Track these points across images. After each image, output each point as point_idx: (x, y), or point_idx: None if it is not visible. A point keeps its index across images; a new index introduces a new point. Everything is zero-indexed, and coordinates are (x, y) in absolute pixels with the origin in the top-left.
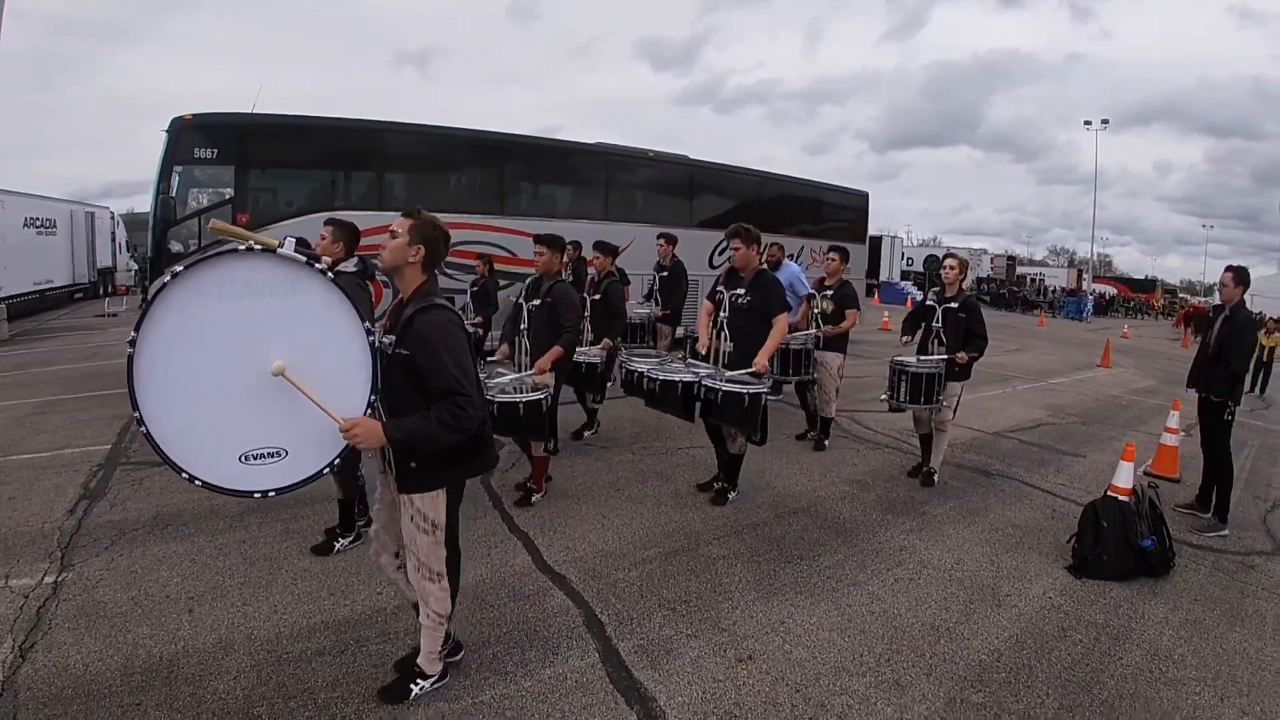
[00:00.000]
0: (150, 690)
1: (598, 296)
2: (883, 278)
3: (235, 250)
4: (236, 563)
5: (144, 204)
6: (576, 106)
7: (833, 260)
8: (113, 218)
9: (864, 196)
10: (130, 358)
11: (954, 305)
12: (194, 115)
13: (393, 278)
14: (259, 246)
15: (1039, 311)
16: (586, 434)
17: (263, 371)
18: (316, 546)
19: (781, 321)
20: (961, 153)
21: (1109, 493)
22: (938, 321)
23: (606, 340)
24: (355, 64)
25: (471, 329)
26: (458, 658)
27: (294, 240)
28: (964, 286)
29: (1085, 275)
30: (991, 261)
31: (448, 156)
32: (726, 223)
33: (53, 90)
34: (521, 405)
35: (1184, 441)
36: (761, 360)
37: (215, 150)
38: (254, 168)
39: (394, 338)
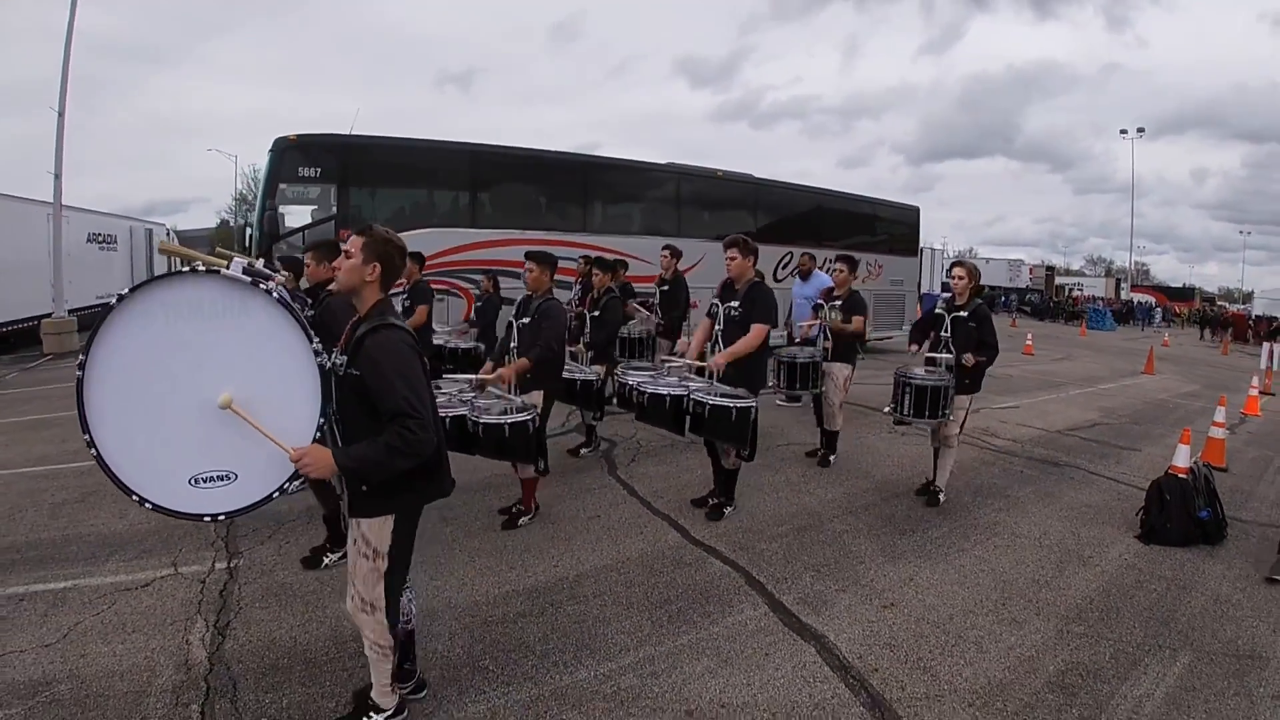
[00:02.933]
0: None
1: (597, 313)
2: (923, 289)
3: (180, 272)
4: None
5: (186, 221)
6: (614, 123)
7: (840, 271)
8: (168, 234)
9: (915, 211)
10: (79, 380)
11: (964, 314)
12: (298, 135)
13: (352, 299)
14: (203, 268)
15: (1080, 321)
16: (584, 451)
17: (210, 396)
18: (305, 559)
19: (757, 329)
20: (997, 164)
21: (1170, 471)
22: (946, 331)
23: (580, 347)
24: (397, 84)
25: (475, 344)
26: (420, 695)
27: (241, 261)
28: (973, 295)
29: (1123, 284)
30: (1030, 272)
31: (533, 176)
32: (788, 237)
33: (93, 110)
34: (506, 427)
35: (1228, 437)
36: (719, 360)
37: (318, 169)
38: (354, 185)
39: (346, 358)
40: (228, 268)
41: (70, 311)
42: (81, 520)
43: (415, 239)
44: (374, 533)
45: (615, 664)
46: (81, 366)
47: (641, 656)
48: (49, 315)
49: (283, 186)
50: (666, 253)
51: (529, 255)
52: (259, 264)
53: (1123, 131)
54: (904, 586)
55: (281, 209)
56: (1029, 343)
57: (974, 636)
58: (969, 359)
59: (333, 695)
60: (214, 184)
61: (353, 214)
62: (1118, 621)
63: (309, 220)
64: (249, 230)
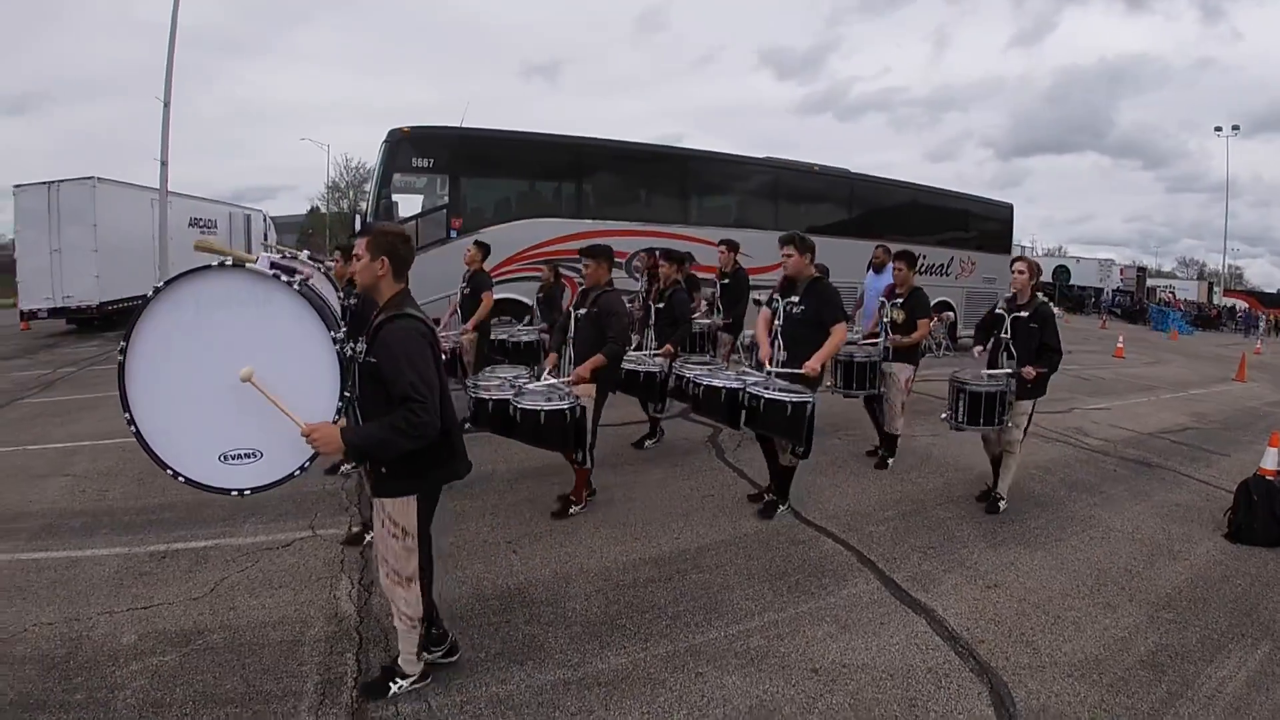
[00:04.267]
0: (511, 610)
1: (661, 305)
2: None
3: (209, 266)
4: (534, 515)
5: (275, 208)
6: (696, 115)
7: (899, 269)
8: (266, 219)
9: (1009, 208)
10: (121, 364)
11: (1024, 314)
12: (411, 128)
13: (372, 295)
14: (231, 262)
15: (1173, 327)
16: (648, 443)
17: (237, 380)
18: (350, 538)
19: (840, 330)
20: (1086, 160)
21: (1258, 473)
22: (1006, 332)
23: (669, 346)
24: (482, 74)
25: (539, 335)
26: (453, 659)
27: (268, 257)
28: (1035, 293)
29: (1215, 288)
30: (1121, 273)
31: (636, 169)
32: (881, 232)
33: (181, 99)
34: (543, 414)
35: None
36: (813, 364)
37: (430, 160)
38: (464, 176)
39: (365, 346)
40: (254, 263)
41: None
42: None
43: (522, 229)
44: (400, 513)
45: (742, 626)
46: (122, 352)
47: (766, 621)
48: None
49: (396, 176)
50: (724, 247)
51: (584, 251)
52: (303, 255)
53: (1217, 128)
54: (1006, 570)
55: (395, 198)
56: (1120, 345)
57: (1071, 617)
58: (1029, 372)
59: (481, 646)
60: (301, 172)
61: (462, 204)
62: (1204, 610)
63: (421, 209)
64: (357, 217)
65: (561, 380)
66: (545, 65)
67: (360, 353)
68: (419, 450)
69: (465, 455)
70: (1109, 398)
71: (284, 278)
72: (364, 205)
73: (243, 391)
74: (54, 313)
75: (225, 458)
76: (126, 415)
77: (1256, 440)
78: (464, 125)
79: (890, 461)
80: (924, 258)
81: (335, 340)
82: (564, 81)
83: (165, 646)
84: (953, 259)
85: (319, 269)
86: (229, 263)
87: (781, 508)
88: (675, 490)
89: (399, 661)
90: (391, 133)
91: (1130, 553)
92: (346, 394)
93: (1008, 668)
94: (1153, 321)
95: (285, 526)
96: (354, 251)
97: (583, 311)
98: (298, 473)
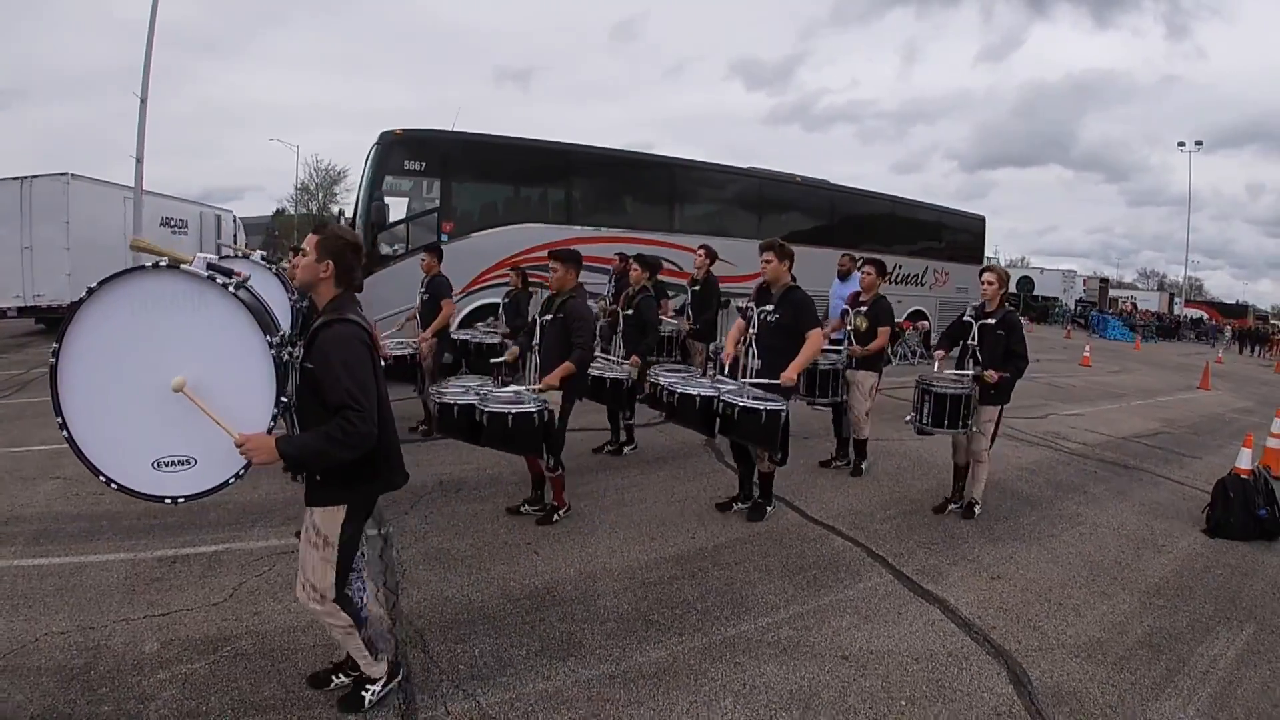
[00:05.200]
0: (543, 609)
1: (630, 311)
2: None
3: (144, 266)
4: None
5: (241, 209)
6: (667, 123)
7: (867, 274)
8: (235, 221)
9: (981, 221)
10: (53, 367)
11: (991, 322)
12: (404, 130)
13: (311, 295)
14: (166, 263)
15: (1136, 335)
16: (627, 450)
17: (170, 384)
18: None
19: (815, 335)
20: (1051, 173)
21: (1233, 472)
22: (973, 339)
23: (635, 357)
24: (455, 78)
25: (500, 339)
26: (396, 679)
27: (204, 258)
28: (1003, 302)
29: (1177, 299)
30: (1084, 283)
31: (625, 177)
32: (858, 242)
33: (151, 96)
34: (510, 417)
35: None
36: (790, 374)
37: (423, 163)
38: (455, 180)
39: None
40: (190, 264)
41: None
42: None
43: (512, 234)
44: (325, 522)
45: (770, 619)
46: (55, 354)
47: (792, 613)
48: None
49: (388, 179)
50: (701, 252)
51: (553, 255)
52: (256, 255)
53: (1180, 144)
54: (1006, 563)
55: (386, 200)
56: (1086, 354)
57: (1072, 604)
58: (991, 376)
59: (521, 645)
60: (268, 174)
61: (453, 208)
62: (1191, 597)
63: (410, 213)
64: (343, 219)
65: (528, 387)
66: (519, 71)
67: (298, 358)
68: (355, 460)
69: (402, 466)
70: (1081, 404)
71: (220, 279)
72: (334, 208)
73: (176, 398)
74: (23, 311)
75: (159, 464)
76: (59, 420)
77: (1225, 444)
78: (455, 129)
79: (865, 466)
80: (899, 267)
81: (271, 345)
82: (536, 88)
83: (192, 654)
84: (927, 269)
85: (270, 270)
86: (164, 263)
87: (769, 509)
88: (683, 492)
89: (362, 669)
90: (384, 135)
91: (1118, 546)
92: (284, 399)
93: (1020, 650)
94: (1094, 329)
95: (295, 529)
96: (302, 247)
97: (549, 318)
98: (232, 480)
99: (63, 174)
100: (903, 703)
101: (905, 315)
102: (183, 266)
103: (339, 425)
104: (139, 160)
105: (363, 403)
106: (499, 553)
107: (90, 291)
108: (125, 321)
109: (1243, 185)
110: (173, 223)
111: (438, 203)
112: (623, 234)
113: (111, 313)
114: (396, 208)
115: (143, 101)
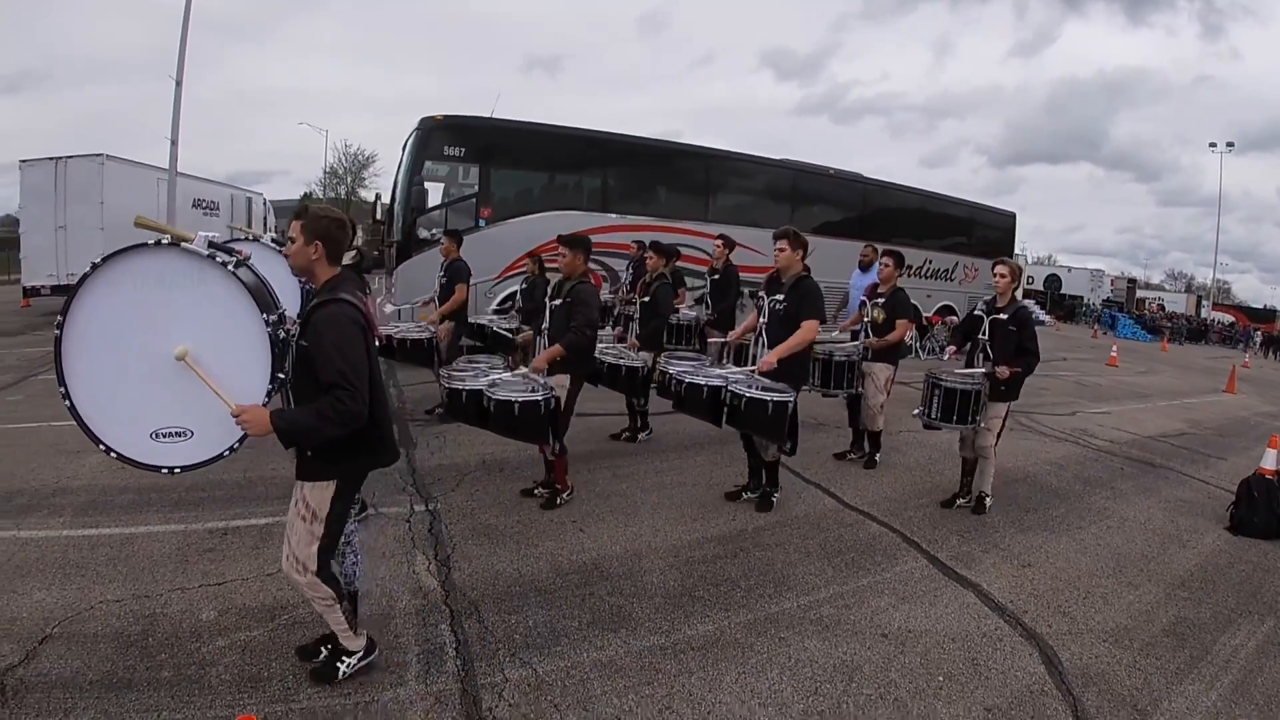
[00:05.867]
0: (592, 584)
1: (647, 299)
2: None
3: (146, 244)
4: (591, 497)
5: (269, 193)
6: (695, 113)
7: (885, 265)
8: (265, 203)
9: (1011, 216)
10: (57, 339)
11: (1003, 317)
12: (444, 116)
13: (308, 279)
14: (168, 240)
15: (1158, 336)
16: (641, 436)
17: (170, 356)
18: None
19: (808, 326)
20: (1081, 170)
21: (1258, 471)
22: (985, 334)
23: (634, 341)
24: (484, 66)
25: (518, 325)
26: (372, 656)
27: (206, 236)
28: (1016, 296)
29: (1204, 302)
30: (1111, 283)
31: (662, 166)
32: (889, 235)
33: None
34: (517, 405)
35: None
36: (769, 359)
37: (462, 149)
38: (494, 166)
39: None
40: (191, 242)
41: None
42: (261, 464)
43: (548, 221)
44: (314, 496)
45: (812, 597)
46: (59, 327)
47: (832, 593)
48: None
49: (427, 164)
50: (719, 242)
51: (561, 240)
52: (266, 238)
53: (1211, 144)
54: (1036, 552)
55: (426, 185)
56: (1114, 354)
57: (1100, 593)
58: (1002, 372)
59: (573, 616)
60: (295, 158)
61: (491, 193)
62: (1214, 590)
63: (449, 198)
64: (379, 204)
65: (519, 370)
66: (547, 60)
67: (294, 337)
68: (347, 437)
69: (394, 444)
70: (1108, 403)
71: (219, 258)
72: (362, 192)
73: (175, 370)
74: (56, 290)
75: (157, 435)
76: (62, 390)
77: (1250, 446)
78: (494, 116)
79: (878, 458)
80: (930, 262)
81: (268, 322)
82: (564, 77)
83: (250, 622)
84: (957, 264)
85: (280, 252)
86: (166, 241)
87: (776, 496)
88: (720, 477)
89: (339, 640)
90: (424, 120)
91: (1144, 540)
92: (280, 376)
93: (1051, 634)
94: (1104, 326)
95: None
96: (289, 234)
97: (557, 302)
98: (227, 453)
99: (98, 155)
100: (941, 679)
101: (934, 310)
102: (184, 245)
103: (330, 403)
104: (174, 142)
105: (354, 382)
106: (545, 529)
107: (94, 266)
108: (128, 296)
109: (1273, 188)
110: (204, 204)
111: (475, 188)
112: (657, 222)
113: (115, 289)
114: (434, 193)
115: (178, 84)
